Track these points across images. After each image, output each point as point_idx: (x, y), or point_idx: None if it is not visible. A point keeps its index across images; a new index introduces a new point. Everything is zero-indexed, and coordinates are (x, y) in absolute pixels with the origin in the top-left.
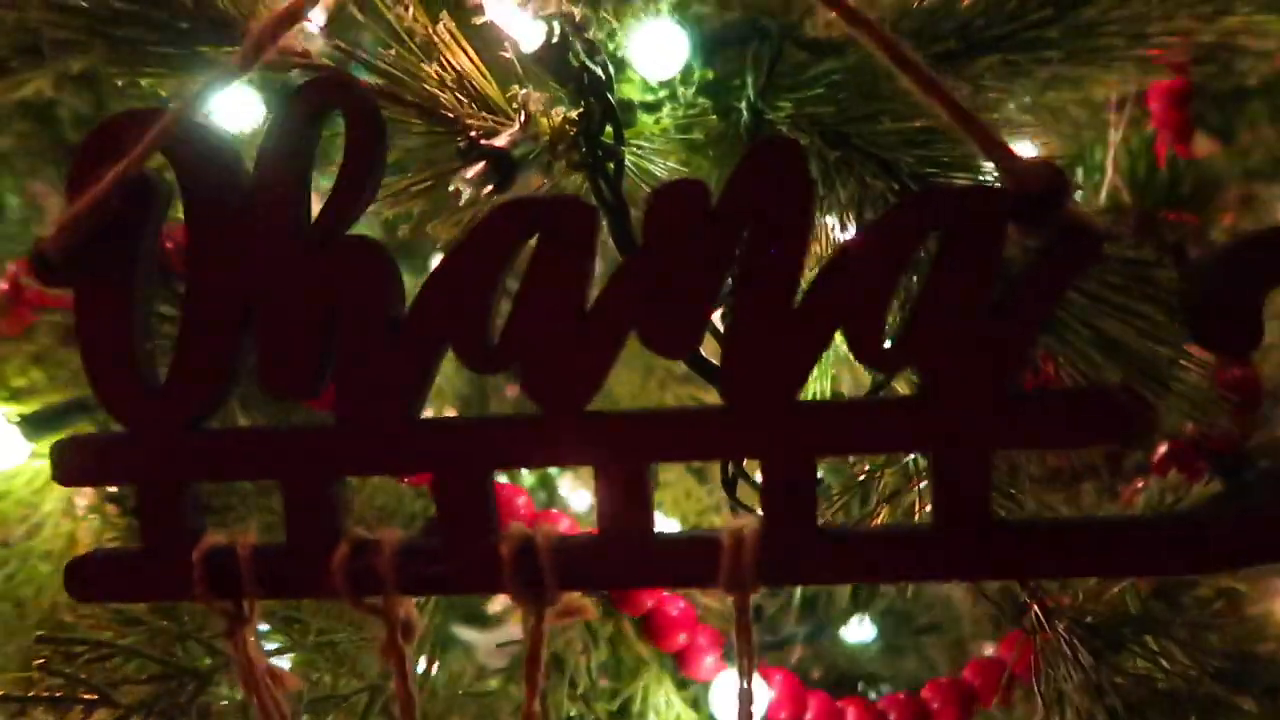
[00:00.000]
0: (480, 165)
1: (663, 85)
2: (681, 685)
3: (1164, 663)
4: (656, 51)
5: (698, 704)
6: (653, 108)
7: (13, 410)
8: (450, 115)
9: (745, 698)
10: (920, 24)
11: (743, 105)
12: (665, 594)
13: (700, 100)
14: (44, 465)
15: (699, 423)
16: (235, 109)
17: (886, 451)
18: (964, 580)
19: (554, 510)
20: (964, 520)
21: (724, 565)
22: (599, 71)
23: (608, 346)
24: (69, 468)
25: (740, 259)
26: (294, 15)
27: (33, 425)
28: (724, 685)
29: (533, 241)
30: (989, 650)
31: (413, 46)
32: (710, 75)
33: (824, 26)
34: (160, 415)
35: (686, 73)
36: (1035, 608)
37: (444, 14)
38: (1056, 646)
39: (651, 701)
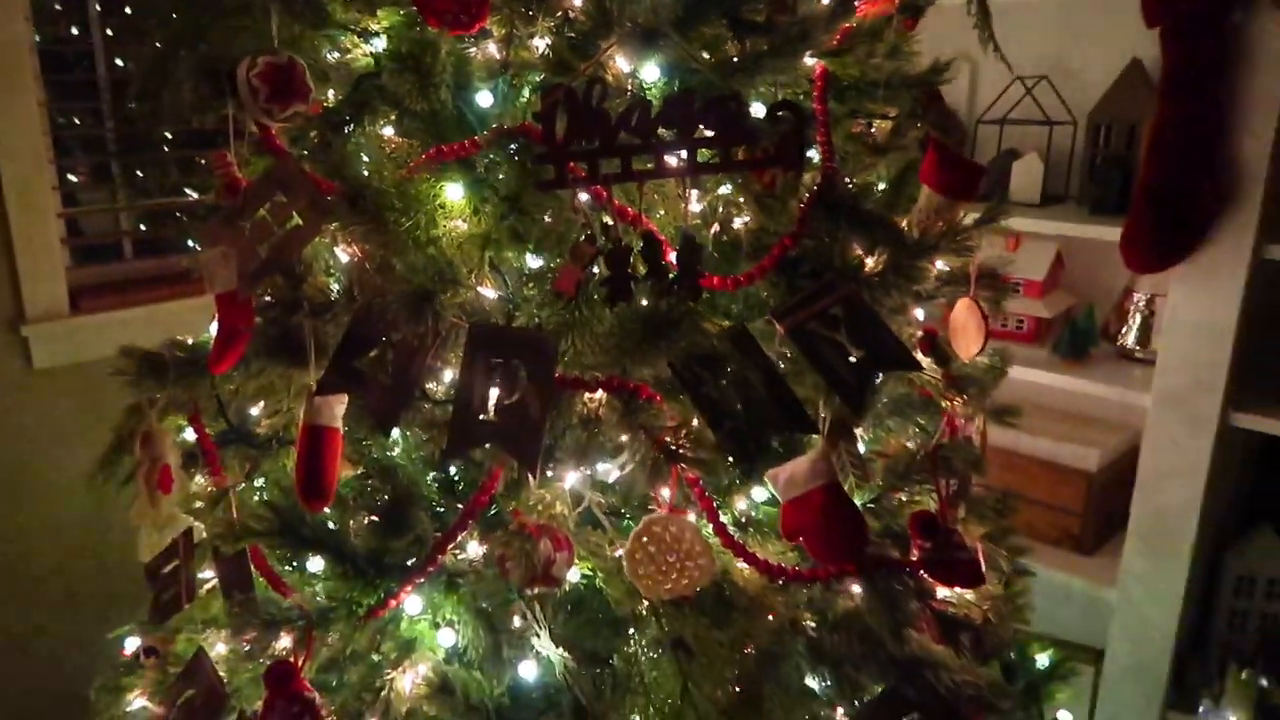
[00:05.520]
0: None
1: (650, 84)
2: None
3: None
4: (649, 72)
5: None
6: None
7: None
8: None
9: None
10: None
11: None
12: None
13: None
14: None
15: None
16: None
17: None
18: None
19: None
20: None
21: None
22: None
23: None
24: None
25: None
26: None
27: None
28: None
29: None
30: None
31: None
32: (664, 82)
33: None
34: (560, 158)
35: (658, 80)
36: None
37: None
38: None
39: None
